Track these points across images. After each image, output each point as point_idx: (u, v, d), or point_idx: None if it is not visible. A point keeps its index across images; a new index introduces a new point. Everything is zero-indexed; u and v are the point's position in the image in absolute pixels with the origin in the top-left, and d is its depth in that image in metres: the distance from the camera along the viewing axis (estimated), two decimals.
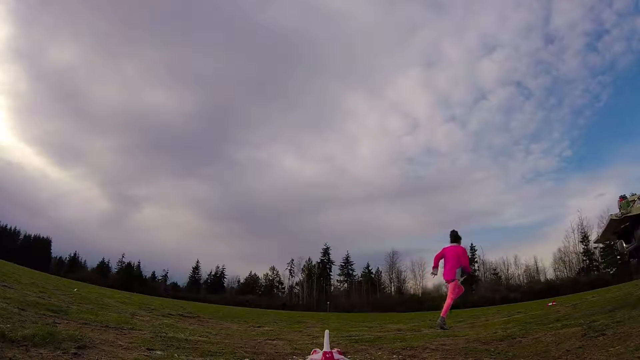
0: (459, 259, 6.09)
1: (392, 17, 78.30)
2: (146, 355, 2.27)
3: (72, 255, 58.42)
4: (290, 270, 59.11)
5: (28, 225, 59.13)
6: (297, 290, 58.49)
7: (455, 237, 6.30)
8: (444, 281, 6.22)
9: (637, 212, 4.20)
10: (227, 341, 3.61)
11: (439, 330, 5.31)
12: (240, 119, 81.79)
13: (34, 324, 2.72)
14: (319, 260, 58.07)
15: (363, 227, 73.67)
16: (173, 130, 78.77)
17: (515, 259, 46.20)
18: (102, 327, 3.33)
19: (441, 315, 5.74)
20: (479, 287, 47.61)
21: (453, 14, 74.86)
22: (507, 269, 47.51)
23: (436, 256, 6.33)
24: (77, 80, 76.38)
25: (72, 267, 54.14)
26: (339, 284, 58.19)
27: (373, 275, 55.95)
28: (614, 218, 4.55)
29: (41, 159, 78.75)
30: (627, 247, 4.71)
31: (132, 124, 77.40)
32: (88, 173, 76.22)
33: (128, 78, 76.61)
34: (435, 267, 6.27)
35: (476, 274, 51.18)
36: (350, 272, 57.67)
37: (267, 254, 72.98)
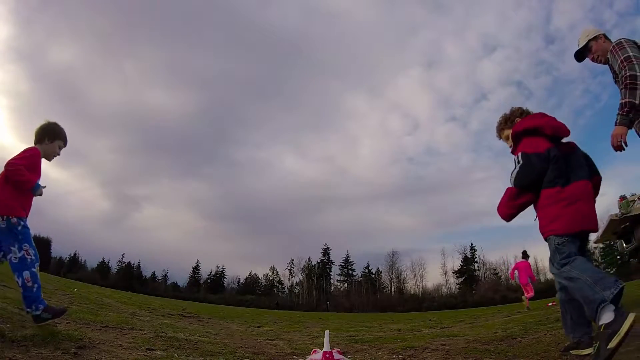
0: (527, 270, 9.75)
1: (392, 17, 78.45)
2: (146, 355, 2.27)
3: (72, 255, 58.40)
4: (290, 270, 59.17)
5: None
6: (297, 290, 58.50)
7: (524, 255, 10.00)
8: (521, 284, 9.67)
9: (637, 212, 4.20)
10: (227, 341, 3.61)
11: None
12: (240, 119, 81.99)
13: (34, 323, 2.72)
14: (319, 260, 58.15)
15: (363, 227, 73.82)
16: (173, 130, 78.96)
17: (515, 259, 46.18)
18: (102, 327, 3.33)
19: (527, 306, 9.21)
20: (479, 287, 47.60)
21: (453, 14, 75.03)
22: (507, 269, 47.45)
23: (512, 270, 10.34)
24: (77, 81, 76.61)
25: (72, 267, 54.19)
26: (339, 284, 58.25)
27: (373, 275, 55.98)
28: (614, 218, 4.55)
29: None
30: (627, 247, 4.70)
31: (132, 124, 77.65)
32: (88, 173, 76.43)
33: (128, 78, 76.80)
34: (512, 278, 10.49)
35: (476, 274, 51.18)
36: (350, 272, 57.72)
37: (267, 254, 73.14)
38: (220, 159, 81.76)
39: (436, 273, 58.13)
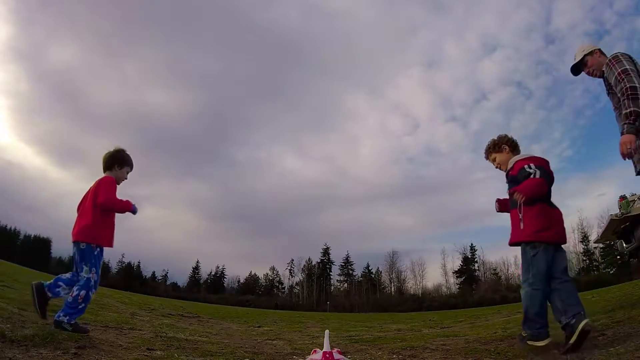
0: None
1: (392, 17, 78.46)
2: (146, 355, 2.27)
3: (72, 255, 58.12)
4: (290, 270, 59.18)
5: (28, 225, 59.07)
6: (297, 290, 58.49)
7: None
8: None
9: (637, 212, 4.20)
10: (227, 341, 3.61)
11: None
12: (240, 119, 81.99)
13: (34, 324, 2.72)
14: (319, 260, 58.14)
15: (363, 227, 73.78)
16: (173, 130, 78.94)
17: (515, 259, 46.05)
18: (102, 327, 3.33)
19: None
20: (479, 287, 47.58)
21: (454, 14, 75.02)
22: (507, 269, 47.45)
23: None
24: (77, 80, 76.65)
25: (72, 267, 54.00)
26: (339, 284, 58.25)
27: (373, 275, 55.97)
28: (614, 218, 4.54)
29: (41, 159, 78.95)
30: (627, 247, 4.70)
31: (132, 124, 77.59)
32: (88, 173, 75.88)
33: (128, 78, 76.82)
34: None
35: (476, 274, 51.18)
36: (350, 272, 57.71)
37: (267, 254, 73.13)
38: (220, 159, 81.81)
39: (436, 273, 58.11)
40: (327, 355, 1.96)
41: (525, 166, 2.47)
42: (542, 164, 2.48)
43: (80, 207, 2.89)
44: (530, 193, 2.37)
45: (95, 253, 2.78)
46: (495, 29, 74.20)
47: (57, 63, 70.71)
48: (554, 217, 2.44)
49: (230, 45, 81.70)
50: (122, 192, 3.18)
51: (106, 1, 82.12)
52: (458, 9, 75.88)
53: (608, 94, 2.72)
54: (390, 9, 79.83)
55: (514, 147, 2.73)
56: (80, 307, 2.63)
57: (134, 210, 2.92)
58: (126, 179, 3.09)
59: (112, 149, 3.07)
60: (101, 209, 2.79)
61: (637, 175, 2.58)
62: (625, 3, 59.21)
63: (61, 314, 2.56)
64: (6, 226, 53.29)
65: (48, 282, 2.70)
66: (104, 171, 3.00)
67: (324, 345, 2.07)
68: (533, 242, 2.39)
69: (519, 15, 69.81)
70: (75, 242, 2.79)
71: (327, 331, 2.21)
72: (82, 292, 2.64)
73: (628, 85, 2.38)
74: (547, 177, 2.42)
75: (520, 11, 69.83)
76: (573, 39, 61.79)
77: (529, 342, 2.40)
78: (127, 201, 2.89)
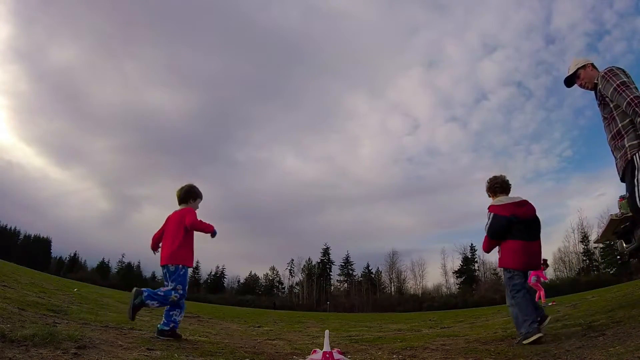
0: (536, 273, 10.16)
1: (393, 17, 78.45)
2: (146, 355, 2.27)
3: (72, 255, 58.27)
4: (290, 270, 59.20)
5: (28, 225, 58.89)
6: (297, 290, 58.50)
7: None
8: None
9: None
10: (227, 341, 3.61)
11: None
12: (240, 119, 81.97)
13: (34, 324, 2.72)
14: (319, 260, 58.14)
15: (363, 227, 73.77)
16: (173, 130, 78.95)
17: None
18: (102, 327, 3.34)
19: (542, 301, 9.40)
20: (479, 287, 47.58)
21: (454, 15, 75.03)
22: None
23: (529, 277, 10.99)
24: (77, 81, 76.65)
25: (72, 267, 54.12)
26: (339, 284, 58.26)
27: (373, 275, 55.98)
28: (614, 218, 4.54)
29: (41, 159, 79.05)
30: (627, 247, 4.70)
31: (132, 124, 77.66)
32: (88, 173, 76.38)
33: (128, 78, 76.84)
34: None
35: (476, 274, 51.18)
36: (350, 272, 57.73)
37: (267, 254, 73.08)
38: (220, 159, 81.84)
39: (436, 273, 58.06)
40: (327, 355, 1.96)
41: (489, 213, 3.11)
42: (498, 212, 3.05)
43: (164, 235, 3.37)
44: (484, 250, 3.20)
45: (182, 273, 3.23)
46: (495, 29, 74.29)
47: (57, 63, 70.81)
48: (528, 250, 2.98)
49: (230, 45, 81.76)
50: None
51: (106, 1, 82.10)
52: (458, 9, 75.94)
53: (599, 105, 2.77)
54: (390, 9, 79.87)
55: (494, 191, 3.29)
56: (160, 294, 3.10)
57: (214, 233, 3.37)
58: (198, 208, 3.57)
59: (184, 185, 3.55)
60: (186, 231, 3.29)
61: (621, 182, 2.59)
62: (625, 3, 59.27)
63: (144, 288, 3.12)
64: (6, 226, 53.38)
65: (148, 291, 3.13)
66: (179, 204, 3.49)
67: (324, 345, 2.07)
68: (508, 269, 3.00)
69: (519, 15, 69.84)
70: (164, 266, 3.24)
71: (327, 331, 2.21)
72: (163, 292, 3.12)
73: (632, 96, 2.41)
74: (493, 228, 3.04)
75: (520, 11, 69.87)
76: (573, 39, 61.88)
77: (523, 342, 2.62)
78: (210, 224, 3.37)
